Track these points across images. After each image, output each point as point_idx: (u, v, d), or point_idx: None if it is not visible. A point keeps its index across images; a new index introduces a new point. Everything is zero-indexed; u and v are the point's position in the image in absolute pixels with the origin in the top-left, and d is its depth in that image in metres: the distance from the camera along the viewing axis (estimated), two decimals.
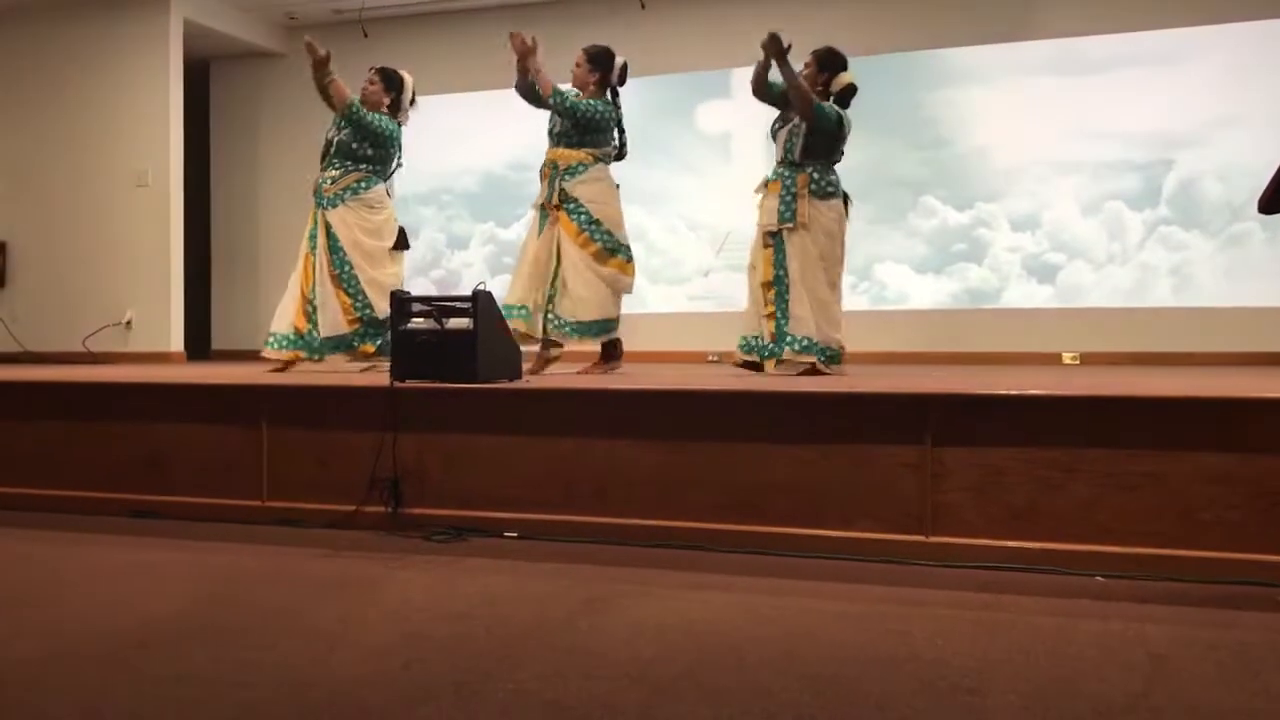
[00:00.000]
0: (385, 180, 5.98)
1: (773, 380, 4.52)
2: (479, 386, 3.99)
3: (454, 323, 4.17)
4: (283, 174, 9.98)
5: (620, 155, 5.63)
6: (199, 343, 9.82)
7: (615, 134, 5.61)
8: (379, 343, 5.72)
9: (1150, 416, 3.22)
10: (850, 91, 5.42)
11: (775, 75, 5.28)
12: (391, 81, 6.03)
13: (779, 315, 5.05)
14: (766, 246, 5.14)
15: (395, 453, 3.88)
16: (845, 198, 5.30)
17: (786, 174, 5.19)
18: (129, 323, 8.91)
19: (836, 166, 5.33)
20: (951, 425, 3.34)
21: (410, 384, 4.06)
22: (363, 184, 5.82)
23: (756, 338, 5.13)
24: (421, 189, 9.72)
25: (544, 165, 5.53)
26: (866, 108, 8.54)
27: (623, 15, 8.65)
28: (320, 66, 5.73)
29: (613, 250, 5.36)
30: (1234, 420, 3.16)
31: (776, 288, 5.07)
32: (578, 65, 5.60)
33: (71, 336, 8.87)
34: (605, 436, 3.72)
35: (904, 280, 8.51)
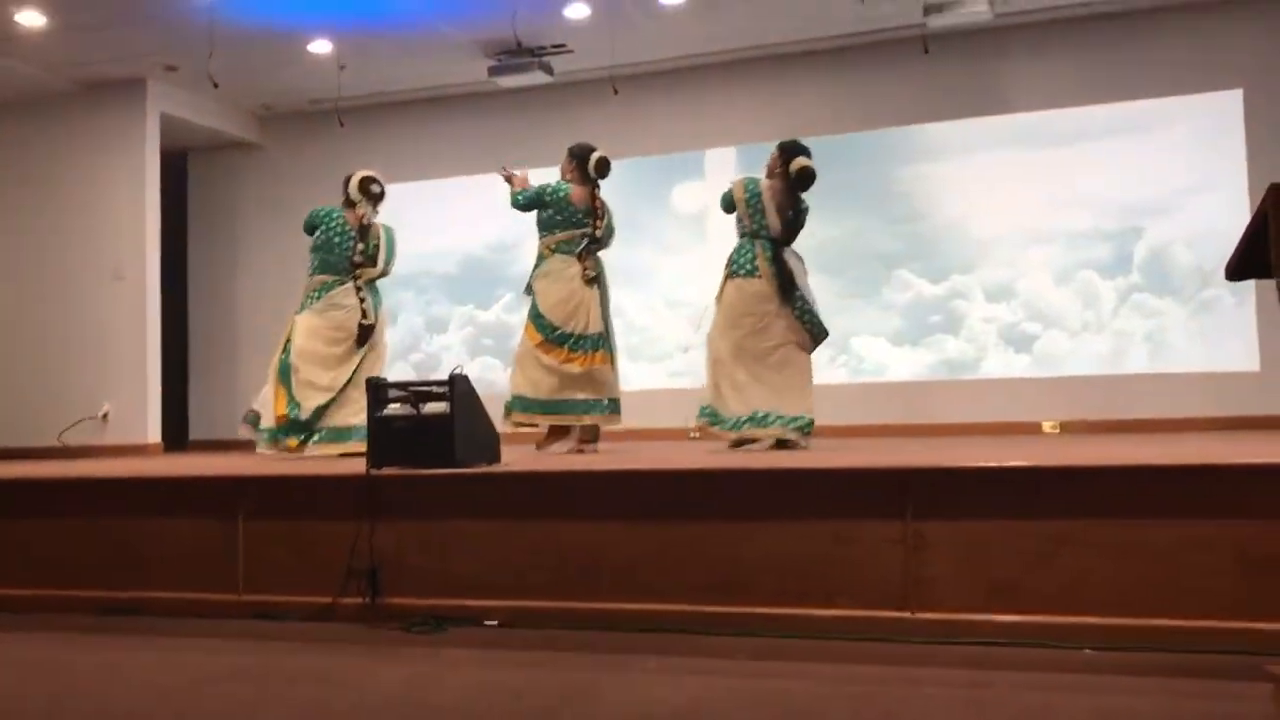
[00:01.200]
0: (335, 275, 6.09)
1: (753, 457, 4.51)
2: (457, 471, 3.95)
3: (431, 407, 4.15)
4: (259, 264, 10.01)
5: (595, 241, 5.70)
6: (176, 433, 9.74)
7: (588, 220, 5.69)
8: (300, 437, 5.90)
9: (1131, 485, 3.21)
10: (807, 174, 5.57)
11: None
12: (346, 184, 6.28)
13: None
14: None
15: (373, 542, 3.82)
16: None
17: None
18: (105, 415, 8.84)
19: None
20: (933, 499, 3.32)
21: (387, 471, 4.02)
22: (319, 291, 6.08)
23: None
24: (400, 272, 9.71)
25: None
26: (839, 184, 8.70)
27: (596, 100, 8.77)
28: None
29: (559, 341, 5.54)
30: (1215, 486, 3.15)
31: None
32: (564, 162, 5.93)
33: (47, 431, 8.79)
34: (586, 519, 3.68)
35: (881, 353, 8.55)
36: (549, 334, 5.60)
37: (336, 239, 6.10)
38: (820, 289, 8.43)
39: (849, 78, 8.65)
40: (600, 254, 5.81)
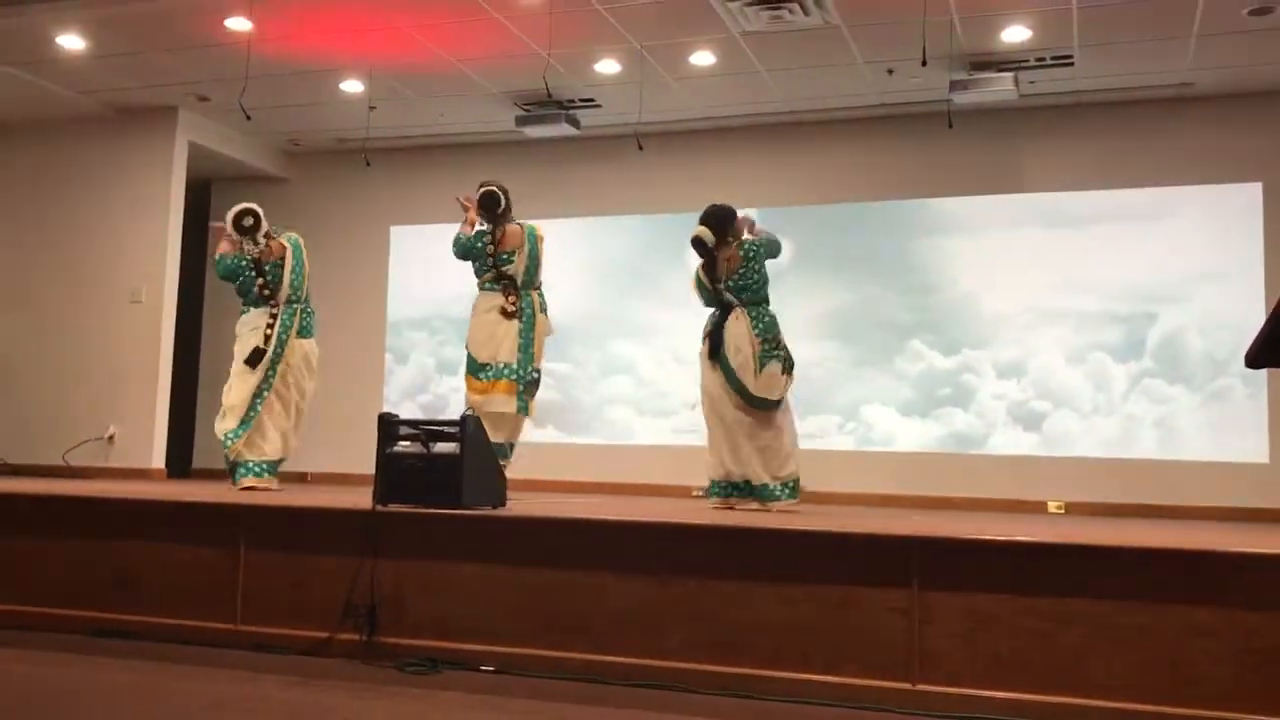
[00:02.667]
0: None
1: (758, 517, 4.49)
2: (462, 513, 3.95)
3: (440, 447, 4.15)
4: None
5: (508, 278, 5.92)
6: (180, 460, 9.73)
7: (497, 259, 5.95)
8: None
9: (1140, 568, 3.19)
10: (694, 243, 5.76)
11: None
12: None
13: None
14: None
15: (373, 578, 3.80)
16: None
17: None
18: (111, 438, 8.84)
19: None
20: (939, 570, 3.31)
21: (392, 508, 4.01)
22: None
23: None
24: (415, 314, 9.81)
25: None
26: (856, 252, 8.77)
27: (621, 155, 8.85)
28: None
29: (472, 371, 5.84)
30: (1222, 575, 3.13)
31: None
32: None
33: (53, 450, 8.79)
34: (588, 568, 3.66)
35: (890, 422, 8.54)
36: (470, 367, 5.84)
37: (239, 277, 6.43)
38: (833, 355, 8.53)
39: (872, 148, 8.73)
40: (540, 294, 5.94)
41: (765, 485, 5.29)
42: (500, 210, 5.96)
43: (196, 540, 4.16)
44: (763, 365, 5.38)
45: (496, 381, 5.74)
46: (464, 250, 6.01)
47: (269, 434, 5.96)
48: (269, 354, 6.08)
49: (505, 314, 5.82)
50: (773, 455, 5.34)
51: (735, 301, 5.53)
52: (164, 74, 8.29)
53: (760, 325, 5.46)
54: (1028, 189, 8.42)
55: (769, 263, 5.64)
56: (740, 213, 5.76)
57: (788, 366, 5.45)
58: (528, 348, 5.81)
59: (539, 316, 5.87)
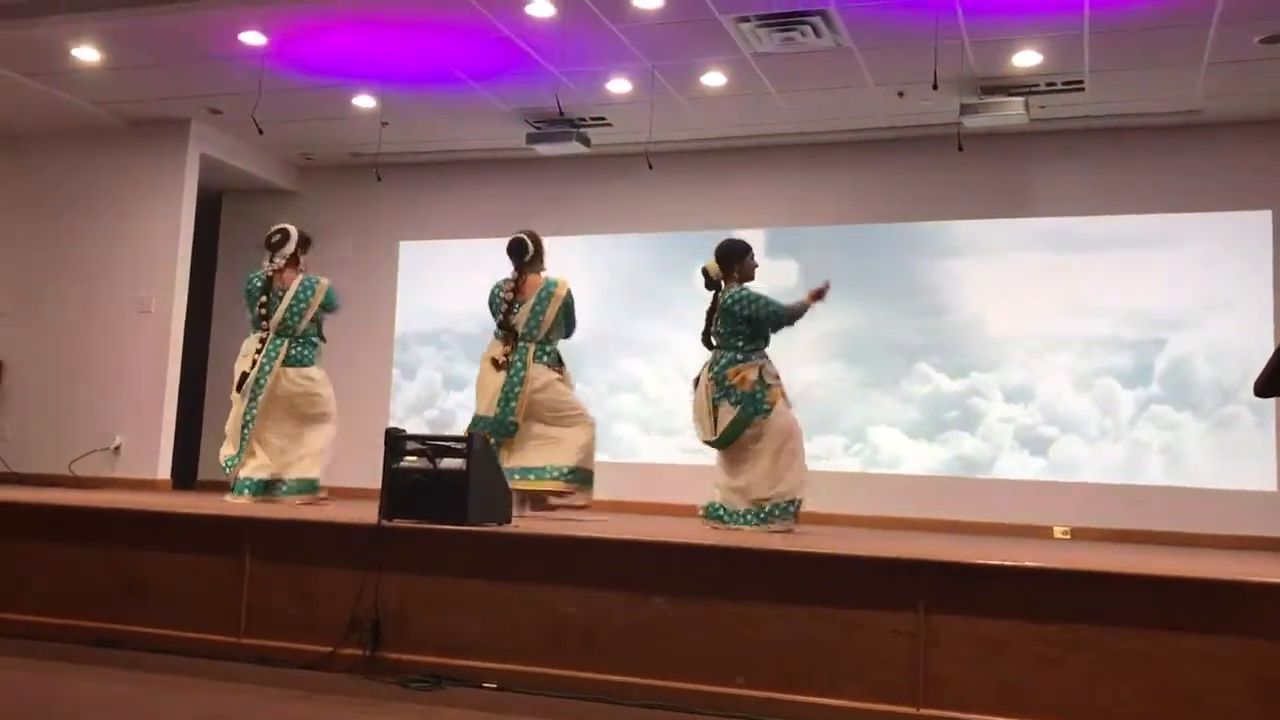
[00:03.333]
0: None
1: (766, 538, 4.48)
2: (468, 529, 3.94)
3: (447, 463, 4.15)
4: None
5: (509, 328, 6.18)
6: (185, 472, 9.74)
7: (506, 309, 6.23)
8: None
9: (1149, 595, 3.17)
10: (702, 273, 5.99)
11: None
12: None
13: None
14: None
15: (378, 593, 3.80)
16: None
17: None
18: (118, 448, 8.85)
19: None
20: (946, 594, 3.29)
21: (398, 523, 4.01)
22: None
23: None
24: (423, 329, 9.82)
25: None
26: (864, 273, 8.77)
27: (630, 173, 8.87)
28: None
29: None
30: (1231, 604, 3.12)
31: None
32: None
33: (59, 459, 8.80)
34: (594, 587, 3.65)
35: (897, 444, 8.52)
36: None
37: (247, 290, 6.55)
38: (840, 376, 8.53)
39: (882, 170, 8.74)
40: (544, 347, 6.01)
41: (735, 512, 5.48)
42: (527, 258, 5.99)
43: (201, 552, 4.16)
44: (715, 407, 5.57)
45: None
46: (489, 297, 6.21)
47: (259, 456, 6.14)
48: (250, 382, 6.18)
49: (495, 365, 5.92)
50: (746, 491, 5.49)
51: (711, 343, 5.71)
52: (177, 87, 8.33)
53: (715, 368, 5.60)
54: (1037, 213, 8.43)
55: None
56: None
57: (747, 409, 5.47)
58: (508, 401, 5.82)
59: (530, 370, 5.84)
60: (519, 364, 5.84)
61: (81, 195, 9.32)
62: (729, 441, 5.51)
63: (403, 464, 4.20)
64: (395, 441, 4.26)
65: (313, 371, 6.33)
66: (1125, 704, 3.09)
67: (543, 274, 6.04)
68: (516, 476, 5.62)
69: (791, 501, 5.42)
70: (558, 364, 5.96)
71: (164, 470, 8.82)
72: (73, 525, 4.43)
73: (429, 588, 3.84)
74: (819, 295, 5.63)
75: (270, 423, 6.17)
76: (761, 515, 5.40)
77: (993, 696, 3.19)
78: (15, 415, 9.18)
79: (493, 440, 5.67)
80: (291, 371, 6.21)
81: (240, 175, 9.82)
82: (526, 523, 4.75)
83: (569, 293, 5.96)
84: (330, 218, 10.05)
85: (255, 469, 6.08)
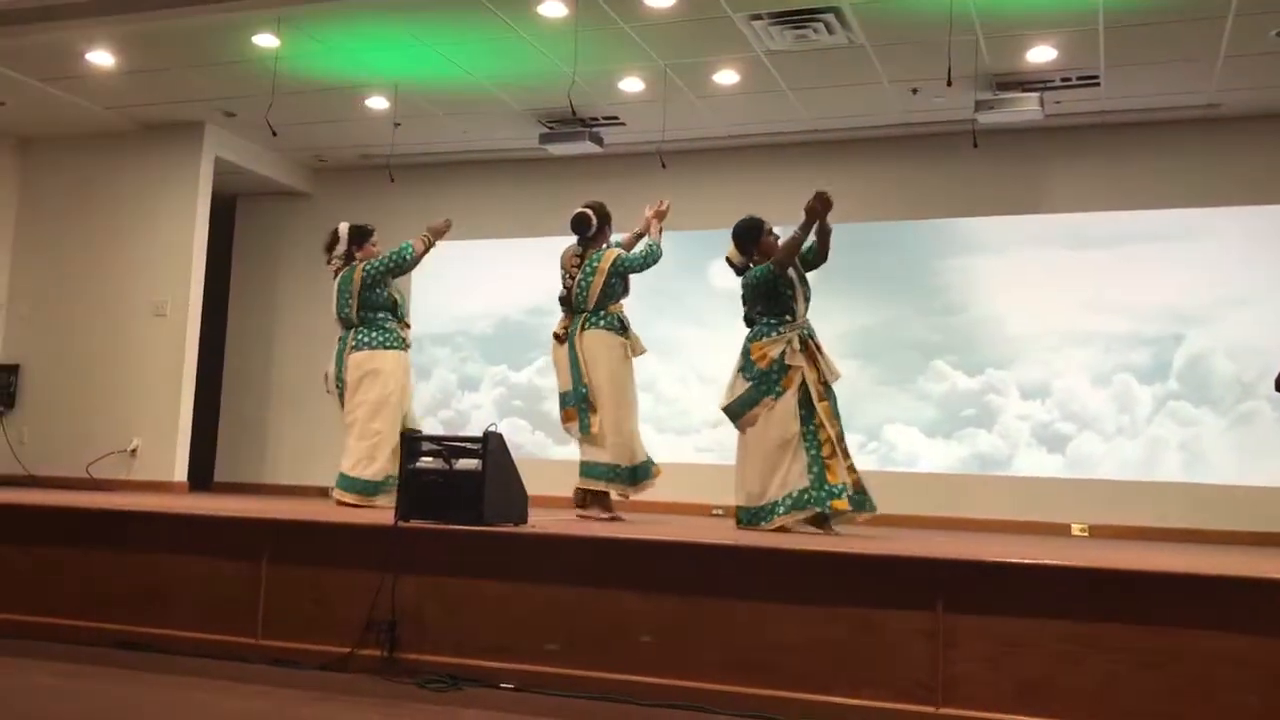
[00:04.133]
0: None
1: (781, 537, 4.47)
2: (484, 530, 3.94)
3: (463, 463, 4.14)
4: (299, 311, 10.10)
5: (565, 301, 6.01)
6: (202, 474, 9.77)
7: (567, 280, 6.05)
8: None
9: (1169, 593, 3.15)
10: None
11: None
12: None
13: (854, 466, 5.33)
14: (823, 400, 5.31)
15: (395, 594, 3.80)
16: None
17: (813, 330, 5.48)
18: (134, 450, 8.89)
19: None
20: (965, 593, 3.27)
21: (414, 523, 4.01)
22: None
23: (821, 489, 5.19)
24: (437, 330, 9.83)
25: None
26: (880, 271, 8.74)
27: (644, 172, 8.86)
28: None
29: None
30: (1253, 602, 3.09)
31: (844, 438, 5.34)
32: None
33: (76, 462, 8.85)
34: (611, 587, 3.64)
35: (913, 443, 8.49)
36: None
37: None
38: (856, 374, 8.50)
39: (896, 167, 8.71)
40: (598, 314, 5.82)
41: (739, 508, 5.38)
42: (590, 233, 5.96)
43: (218, 554, 4.17)
44: (735, 376, 5.47)
45: (566, 409, 5.82)
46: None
47: (348, 453, 6.10)
48: (332, 381, 6.27)
49: (557, 339, 5.91)
50: (739, 480, 5.39)
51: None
52: (191, 90, 8.36)
53: (746, 340, 5.49)
54: (1053, 209, 8.39)
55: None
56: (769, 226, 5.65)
57: (759, 387, 5.34)
58: (576, 368, 5.78)
59: (583, 335, 5.78)
60: (573, 334, 5.83)
61: (96, 199, 9.36)
62: (735, 415, 5.39)
63: (419, 465, 4.20)
64: (411, 443, 4.26)
65: (374, 353, 6.17)
66: (1146, 702, 3.06)
67: (605, 246, 5.99)
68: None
69: (786, 497, 5.19)
70: (618, 329, 5.79)
71: (181, 472, 8.86)
72: (92, 528, 4.44)
73: (446, 588, 3.84)
74: (812, 210, 5.37)
75: (348, 419, 6.18)
76: (752, 514, 5.25)
77: (1011, 696, 3.17)
78: (33, 419, 9.23)
79: (581, 410, 5.71)
80: (359, 354, 6.17)
81: (254, 178, 9.85)
82: (543, 523, 4.75)
83: (614, 261, 5.78)
84: (343, 219, 10.04)
85: (345, 465, 6.07)
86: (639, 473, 5.76)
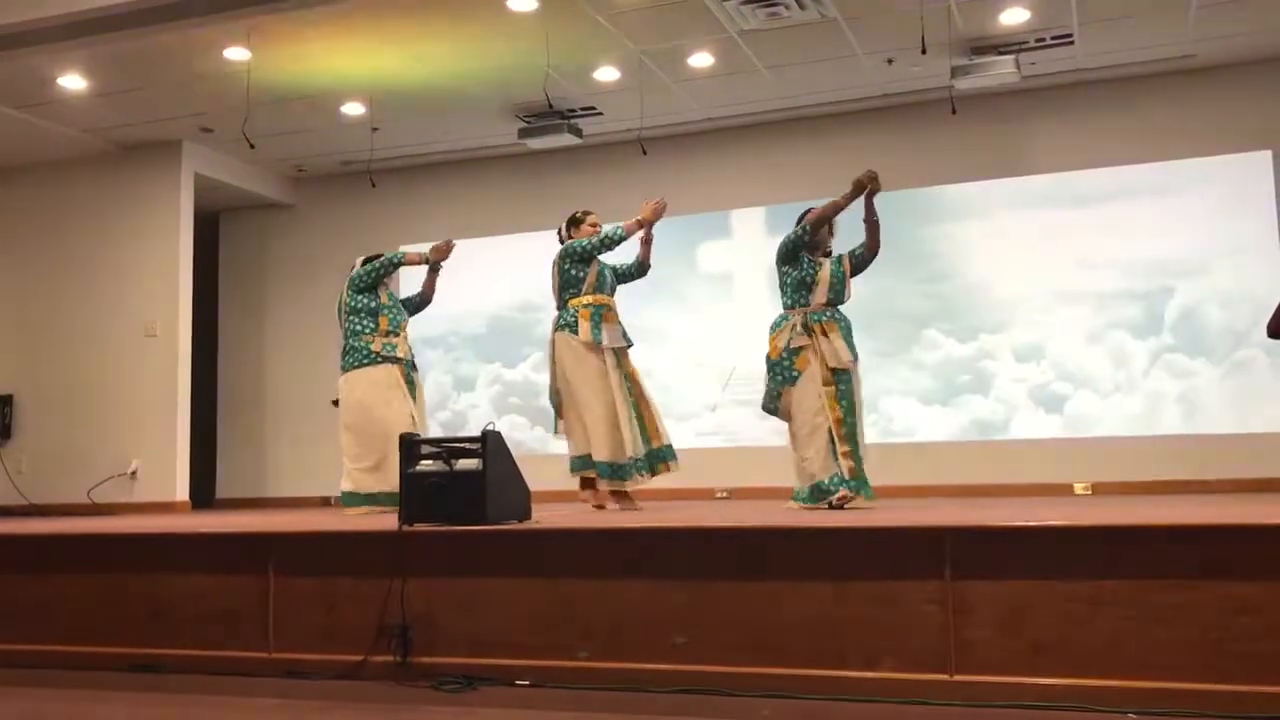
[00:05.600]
0: None
1: (787, 515, 4.47)
2: (488, 528, 3.94)
3: (463, 463, 4.14)
4: (290, 323, 10.09)
5: None
6: (203, 491, 9.77)
7: None
8: None
9: (1176, 546, 3.15)
10: None
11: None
12: None
13: (856, 453, 5.17)
14: (828, 385, 5.19)
15: (404, 599, 3.80)
16: None
17: (839, 315, 5.37)
18: (134, 473, 8.88)
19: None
20: (972, 559, 3.28)
21: (419, 527, 4.01)
22: None
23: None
24: (429, 332, 9.81)
25: (608, 310, 5.80)
26: None
27: (625, 161, 8.86)
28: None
29: None
30: (1259, 549, 3.09)
31: (849, 425, 5.18)
32: (594, 225, 5.98)
33: (76, 488, 8.83)
34: (619, 577, 3.65)
35: (911, 413, 8.51)
36: None
37: None
38: None
39: (877, 139, 8.70)
40: (562, 314, 5.87)
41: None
42: (561, 239, 6.02)
43: (226, 570, 4.16)
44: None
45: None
46: None
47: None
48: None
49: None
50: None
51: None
52: (166, 108, 8.33)
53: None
54: (1036, 171, 8.39)
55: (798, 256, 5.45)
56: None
57: (775, 378, 5.33)
58: (550, 369, 5.88)
59: (552, 338, 5.85)
60: (548, 336, 5.96)
61: (79, 224, 9.33)
62: (771, 412, 5.38)
63: (419, 468, 4.20)
64: (410, 446, 4.26)
65: (342, 377, 6.31)
66: (1158, 655, 3.07)
67: None
68: None
69: (825, 481, 5.10)
70: (573, 326, 5.69)
71: (182, 491, 8.85)
72: (97, 553, 4.43)
73: (455, 589, 3.84)
74: (859, 183, 5.22)
75: None
76: (803, 496, 5.19)
77: (1024, 658, 3.17)
78: (31, 447, 9.22)
79: (553, 410, 5.86)
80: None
81: (235, 193, 9.82)
82: (549, 517, 4.75)
83: (559, 252, 5.83)
84: (327, 227, 10.05)
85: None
86: (621, 470, 5.57)
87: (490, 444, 4.14)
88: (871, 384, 8.49)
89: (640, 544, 3.75)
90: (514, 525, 4.04)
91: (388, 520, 4.49)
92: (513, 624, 3.73)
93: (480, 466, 4.10)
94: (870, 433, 8.38)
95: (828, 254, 5.46)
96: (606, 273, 5.87)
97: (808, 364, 5.22)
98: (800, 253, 5.36)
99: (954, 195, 8.58)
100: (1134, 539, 3.22)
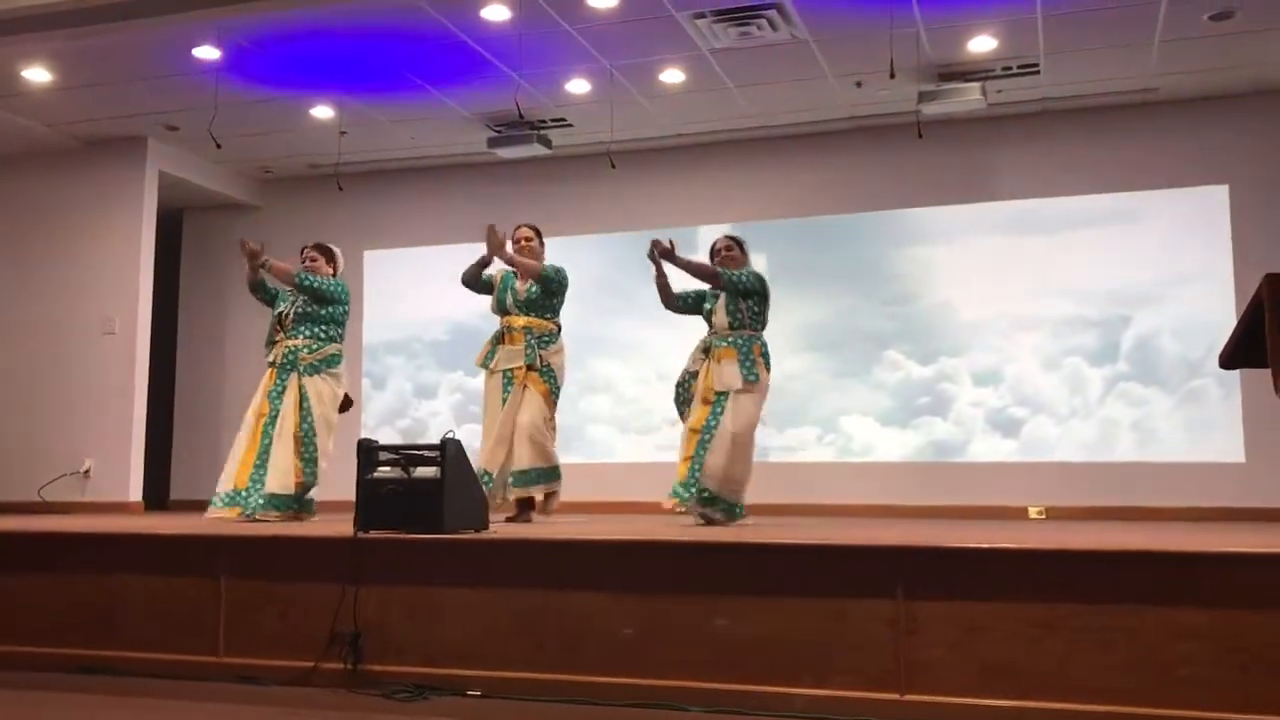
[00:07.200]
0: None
1: (745, 532, 4.49)
2: (444, 537, 3.92)
3: (421, 471, 4.13)
4: (250, 325, 9.99)
5: None
6: (157, 492, 9.65)
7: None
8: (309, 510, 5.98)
9: (1125, 571, 3.20)
10: None
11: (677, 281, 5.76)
12: (330, 254, 6.26)
13: (696, 462, 5.30)
14: (707, 403, 5.39)
15: (356, 606, 3.77)
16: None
17: (740, 340, 5.44)
18: (87, 472, 8.76)
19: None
20: (925, 579, 3.31)
21: (374, 534, 3.99)
22: (336, 358, 6.06)
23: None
24: (391, 338, 9.77)
25: (511, 330, 5.84)
26: (833, 264, 8.80)
27: (593, 173, 8.88)
28: (255, 258, 5.94)
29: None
30: (1206, 576, 3.14)
31: (703, 436, 5.31)
32: (528, 240, 6.05)
33: (28, 486, 8.70)
34: (575, 589, 3.64)
35: (870, 432, 8.56)
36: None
37: (347, 312, 6.34)
38: (812, 367, 8.57)
39: (843, 160, 8.78)
40: None
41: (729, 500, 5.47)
42: None
43: (177, 573, 4.12)
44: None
45: None
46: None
47: None
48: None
49: None
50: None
51: None
52: (132, 104, 8.25)
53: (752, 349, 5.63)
54: (999, 197, 8.49)
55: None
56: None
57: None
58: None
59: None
60: None
61: (39, 218, 9.22)
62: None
63: (376, 475, 4.17)
64: (368, 452, 4.24)
65: None
66: (1105, 680, 3.11)
67: None
68: None
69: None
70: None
71: (135, 492, 8.74)
72: (47, 553, 4.37)
73: (409, 597, 3.82)
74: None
75: None
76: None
77: (974, 679, 3.20)
78: None
79: None
80: None
81: (200, 192, 9.74)
82: (504, 528, 4.74)
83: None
84: (293, 230, 9.94)
85: None
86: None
87: (449, 452, 4.12)
88: (830, 403, 8.58)
89: (596, 556, 3.75)
90: (470, 535, 4.03)
91: (342, 526, 4.45)
92: (466, 634, 3.72)
93: (438, 475, 4.09)
94: (828, 451, 8.51)
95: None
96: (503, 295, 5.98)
97: None
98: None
99: (918, 219, 8.66)
100: (1085, 563, 3.26)
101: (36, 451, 8.84)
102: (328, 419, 5.95)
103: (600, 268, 9.20)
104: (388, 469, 4.18)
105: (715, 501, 5.30)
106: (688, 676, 3.44)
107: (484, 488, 5.45)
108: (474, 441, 8.93)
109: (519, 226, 6.09)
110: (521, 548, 3.90)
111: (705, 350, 5.55)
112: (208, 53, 7.27)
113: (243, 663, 3.91)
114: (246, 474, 5.81)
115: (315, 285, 5.99)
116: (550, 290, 5.91)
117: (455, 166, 9.66)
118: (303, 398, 5.88)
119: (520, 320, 5.85)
